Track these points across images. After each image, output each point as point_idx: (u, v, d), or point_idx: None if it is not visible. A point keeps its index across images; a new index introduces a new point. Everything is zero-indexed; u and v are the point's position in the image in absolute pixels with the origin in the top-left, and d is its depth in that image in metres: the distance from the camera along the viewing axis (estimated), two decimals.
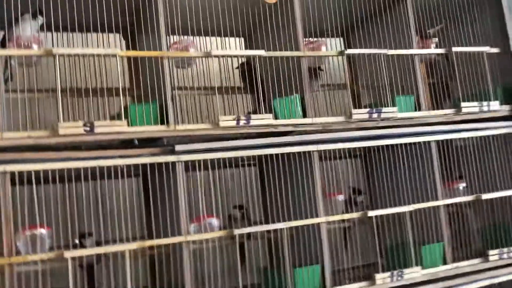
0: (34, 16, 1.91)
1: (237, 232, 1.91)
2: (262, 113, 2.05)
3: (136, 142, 1.91)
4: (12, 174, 1.71)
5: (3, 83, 1.83)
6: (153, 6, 2.00)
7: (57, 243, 1.85)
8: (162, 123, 1.92)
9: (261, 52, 2.09)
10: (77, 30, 2.12)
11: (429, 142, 2.26)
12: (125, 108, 1.89)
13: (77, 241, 1.88)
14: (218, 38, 2.45)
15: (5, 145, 1.72)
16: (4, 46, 1.85)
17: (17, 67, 1.90)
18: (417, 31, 2.40)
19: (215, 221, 1.95)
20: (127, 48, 2.27)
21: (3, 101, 1.80)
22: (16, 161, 1.71)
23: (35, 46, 1.82)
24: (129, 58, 2.24)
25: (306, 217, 2.06)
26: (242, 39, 2.55)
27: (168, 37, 2.02)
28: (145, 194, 2.21)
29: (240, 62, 2.34)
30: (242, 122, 1.97)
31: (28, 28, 1.89)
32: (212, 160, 1.97)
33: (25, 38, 1.83)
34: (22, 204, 1.78)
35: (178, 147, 1.89)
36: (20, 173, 1.72)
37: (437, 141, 2.28)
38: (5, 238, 1.67)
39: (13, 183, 1.73)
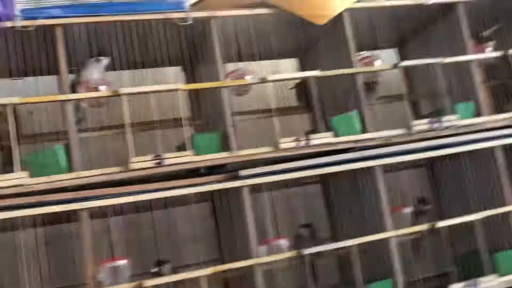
0: (99, 59, 2.03)
1: (306, 251, 1.94)
2: (322, 132, 2.08)
3: (203, 170, 1.97)
4: (90, 210, 1.80)
5: (76, 124, 1.94)
6: (209, 37, 2.08)
7: (135, 271, 1.94)
8: (224, 149, 1.99)
9: (315, 73, 2.12)
10: (140, 66, 2.27)
11: (493, 147, 2.22)
12: (190, 138, 1.97)
13: (155, 269, 1.96)
14: (272, 61, 2.51)
15: (82, 183, 1.83)
16: (74, 90, 1.96)
17: (87, 108, 2.03)
18: (472, 35, 2.37)
19: (284, 242, 1.99)
20: (187, 79, 2.37)
21: (77, 141, 1.90)
22: (93, 197, 1.81)
23: (103, 88, 1.93)
24: (189, 90, 2.32)
25: (374, 232, 2.06)
26: (295, 59, 2.59)
27: (224, 65, 2.09)
28: (214, 219, 2.28)
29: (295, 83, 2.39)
30: (302, 143, 2.01)
31: (95, 70, 2.01)
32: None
33: (93, 80, 1.95)
34: (101, 237, 1.88)
35: (242, 172, 1.95)
36: (98, 208, 1.82)
37: (502, 146, 2.23)
38: (88, 271, 1.76)
39: (90, 217, 1.83)
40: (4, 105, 1.80)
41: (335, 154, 2.07)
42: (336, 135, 2.08)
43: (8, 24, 1.85)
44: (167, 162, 1.89)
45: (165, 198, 1.90)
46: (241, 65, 2.25)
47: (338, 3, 2.14)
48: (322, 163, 2.02)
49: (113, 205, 1.84)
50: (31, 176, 1.76)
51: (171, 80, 2.35)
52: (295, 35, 2.31)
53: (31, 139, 2.10)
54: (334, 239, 2.29)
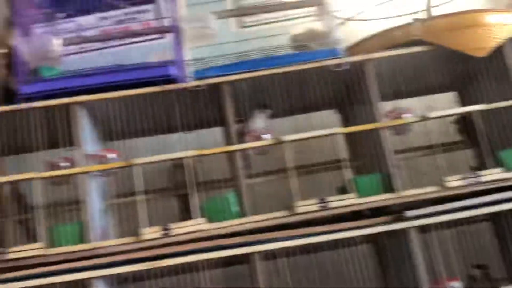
0: (263, 110, 2.16)
1: None
2: (489, 168, 1.99)
3: (367, 212, 1.98)
4: (259, 253, 1.89)
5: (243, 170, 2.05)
6: (364, 79, 2.11)
7: None
8: (386, 190, 1.98)
9: (480, 106, 2.05)
10: (297, 112, 2.36)
11: None
12: (351, 180, 1.99)
13: None
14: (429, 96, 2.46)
15: (251, 228, 1.93)
16: (240, 139, 2.10)
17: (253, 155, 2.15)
18: None
19: (457, 284, 1.91)
20: (342, 121, 2.41)
21: (245, 187, 2.01)
22: (264, 241, 1.90)
23: (267, 136, 2.04)
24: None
25: None
26: (454, 93, 2.51)
27: (380, 104, 2.09)
28: (378, 260, 2.25)
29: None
30: (471, 180, 1.94)
31: (259, 120, 2.14)
32: None
33: (258, 130, 2.07)
34: (271, 278, 1.95)
35: (408, 213, 1.92)
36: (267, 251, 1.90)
37: None
38: None
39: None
40: (182, 158, 1.98)
41: (505, 190, 1.96)
42: (507, 170, 1.97)
43: (182, 85, 2.05)
44: (331, 205, 1.93)
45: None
46: (397, 102, 2.23)
47: (498, 34, 2.06)
48: (494, 200, 1.92)
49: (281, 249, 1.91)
50: (208, 222, 1.90)
51: (326, 123, 2.40)
52: (453, 69, 2.26)
53: (201, 187, 2.26)
54: (511, 280, 2.14)
